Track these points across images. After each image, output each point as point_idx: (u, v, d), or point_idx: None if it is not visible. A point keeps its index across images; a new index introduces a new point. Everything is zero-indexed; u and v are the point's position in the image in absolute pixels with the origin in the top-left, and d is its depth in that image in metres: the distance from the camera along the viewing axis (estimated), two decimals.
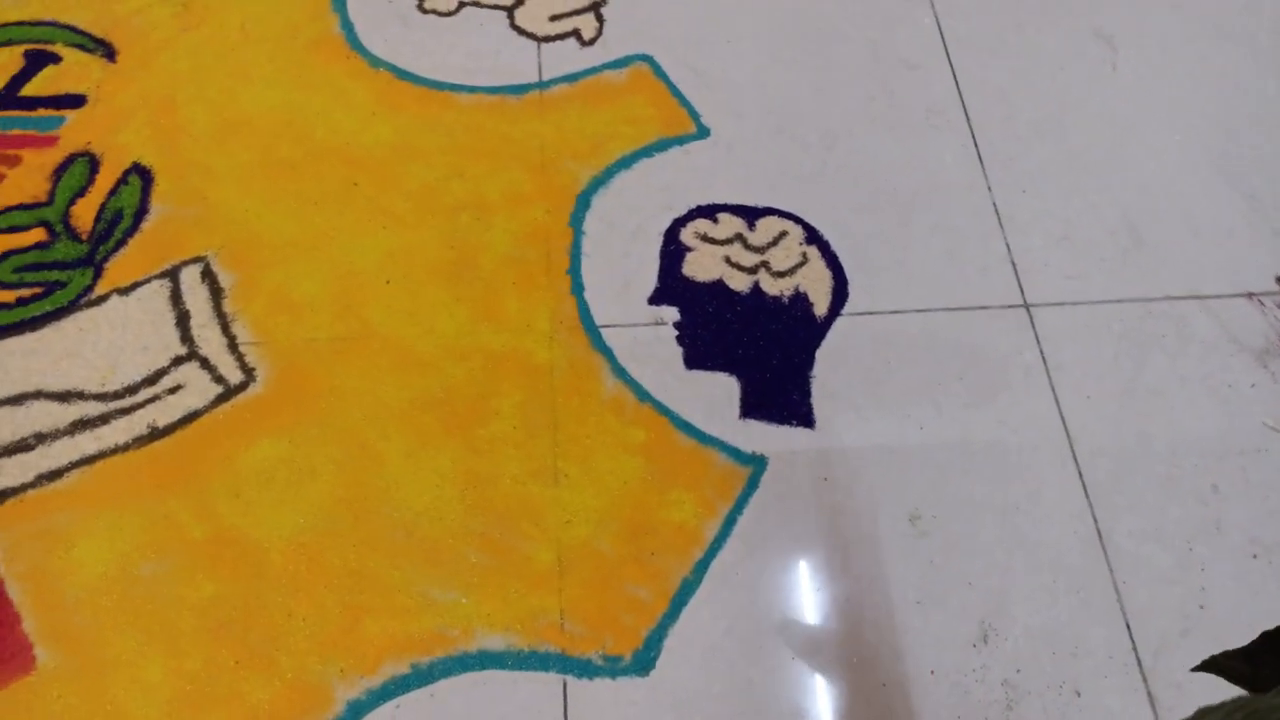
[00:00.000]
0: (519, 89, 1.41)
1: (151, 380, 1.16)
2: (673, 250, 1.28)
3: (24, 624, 1.01)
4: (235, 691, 0.99)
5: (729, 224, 1.30)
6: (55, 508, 1.08)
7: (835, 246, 1.29)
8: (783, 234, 1.30)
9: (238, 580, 1.05)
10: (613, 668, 1.02)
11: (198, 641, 1.01)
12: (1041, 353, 1.23)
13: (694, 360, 1.21)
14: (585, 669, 1.02)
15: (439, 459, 1.13)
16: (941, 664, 1.03)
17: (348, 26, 1.46)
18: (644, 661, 1.03)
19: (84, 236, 1.26)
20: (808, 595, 1.07)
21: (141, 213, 1.28)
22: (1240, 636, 0.57)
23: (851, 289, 1.27)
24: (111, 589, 1.03)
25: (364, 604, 1.04)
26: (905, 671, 1.03)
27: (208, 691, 0.99)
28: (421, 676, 1.01)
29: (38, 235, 1.26)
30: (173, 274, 1.23)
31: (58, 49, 1.42)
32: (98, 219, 1.27)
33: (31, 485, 1.08)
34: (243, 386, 1.16)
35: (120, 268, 1.24)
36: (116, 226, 1.26)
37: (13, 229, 1.26)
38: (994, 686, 1.02)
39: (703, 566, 1.08)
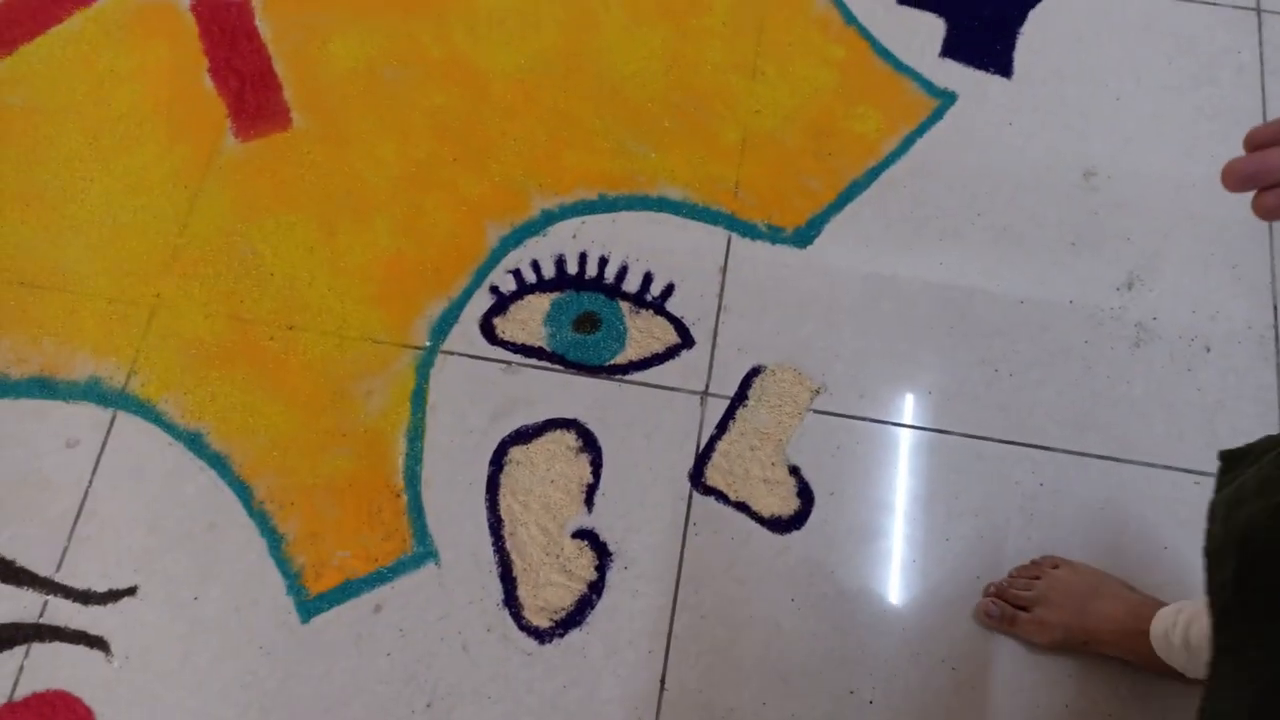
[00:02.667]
0: None
1: None
2: None
3: (285, 92, 1.18)
4: (451, 181, 1.14)
5: None
6: (315, 7, 1.22)
7: None
8: None
9: (464, 98, 1.18)
10: (775, 236, 1.12)
11: (425, 137, 1.16)
12: (1261, 55, 1.20)
13: None
14: (750, 231, 1.12)
15: (651, 36, 1.21)
16: (1082, 297, 1.09)
17: None
18: (804, 237, 1.12)
19: None
20: (965, 218, 1.13)
21: None
22: None
23: None
24: (358, 81, 1.18)
25: (566, 139, 1.16)
26: (1045, 296, 1.09)
27: (429, 177, 1.14)
28: (607, 205, 1.13)
29: None
30: None
31: None
32: None
33: None
34: None
35: None
36: None
37: None
38: (1128, 325, 1.08)
39: (874, 174, 1.15)
